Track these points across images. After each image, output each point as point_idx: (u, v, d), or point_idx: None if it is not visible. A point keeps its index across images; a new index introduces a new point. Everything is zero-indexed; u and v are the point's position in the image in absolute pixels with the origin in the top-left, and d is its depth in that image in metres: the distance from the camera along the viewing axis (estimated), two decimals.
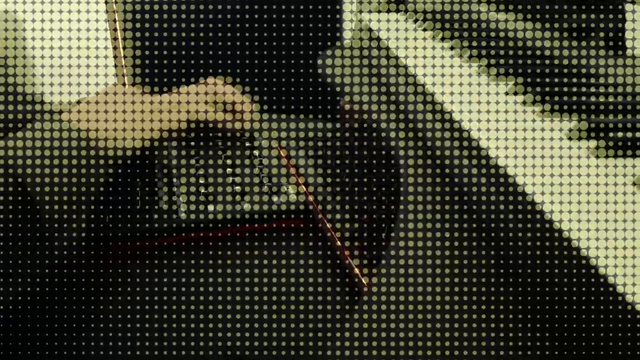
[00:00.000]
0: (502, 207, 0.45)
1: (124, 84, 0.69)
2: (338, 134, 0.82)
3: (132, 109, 0.64)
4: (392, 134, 0.65)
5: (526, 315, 0.42)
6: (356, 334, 0.40)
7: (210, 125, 0.73)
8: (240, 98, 0.76)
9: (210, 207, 0.65)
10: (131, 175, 0.69)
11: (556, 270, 0.38)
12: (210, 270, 0.58)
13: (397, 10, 0.93)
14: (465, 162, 0.51)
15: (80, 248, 0.55)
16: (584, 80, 0.62)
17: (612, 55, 0.68)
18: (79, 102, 0.66)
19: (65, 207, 0.52)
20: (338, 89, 0.79)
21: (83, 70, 0.80)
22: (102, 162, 0.58)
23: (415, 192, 0.55)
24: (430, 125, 0.60)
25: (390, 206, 0.61)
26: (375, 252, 0.55)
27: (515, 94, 0.58)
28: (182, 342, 0.50)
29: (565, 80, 0.62)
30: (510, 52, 0.70)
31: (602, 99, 0.57)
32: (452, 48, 0.72)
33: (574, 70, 0.64)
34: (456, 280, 0.45)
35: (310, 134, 0.83)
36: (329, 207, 0.62)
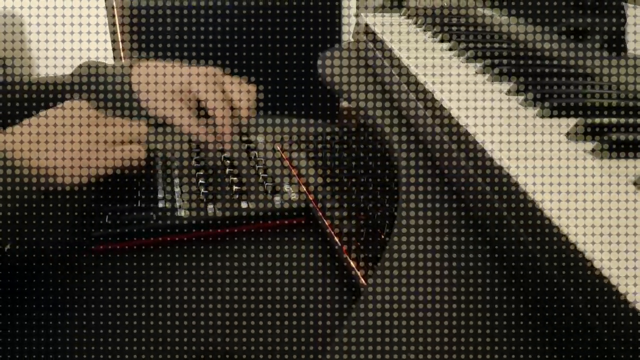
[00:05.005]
0: (501, 207, 0.45)
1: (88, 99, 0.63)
2: (338, 134, 0.83)
3: (86, 138, 0.58)
4: (391, 134, 0.65)
5: (525, 314, 0.42)
6: (355, 332, 0.40)
7: (192, 139, 0.72)
8: (244, 87, 0.73)
9: (210, 207, 0.65)
10: (130, 176, 0.69)
11: (555, 270, 0.38)
12: (211, 270, 0.58)
13: (399, 12, 0.93)
14: (465, 162, 0.51)
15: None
16: (584, 80, 0.62)
17: (612, 55, 0.68)
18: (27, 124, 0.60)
19: None
20: (337, 89, 0.80)
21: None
22: (30, 191, 0.55)
23: (414, 191, 0.55)
24: (430, 125, 0.60)
25: (390, 206, 0.61)
26: (375, 251, 0.55)
27: (515, 93, 0.58)
28: (182, 340, 0.50)
29: (565, 80, 0.62)
30: (510, 52, 0.70)
31: (602, 99, 0.57)
32: (451, 48, 0.72)
33: (574, 70, 0.64)
34: (454, 279, 0.45)
35: (310, 134, 0.83)
36: (328, 206, 0.62)
